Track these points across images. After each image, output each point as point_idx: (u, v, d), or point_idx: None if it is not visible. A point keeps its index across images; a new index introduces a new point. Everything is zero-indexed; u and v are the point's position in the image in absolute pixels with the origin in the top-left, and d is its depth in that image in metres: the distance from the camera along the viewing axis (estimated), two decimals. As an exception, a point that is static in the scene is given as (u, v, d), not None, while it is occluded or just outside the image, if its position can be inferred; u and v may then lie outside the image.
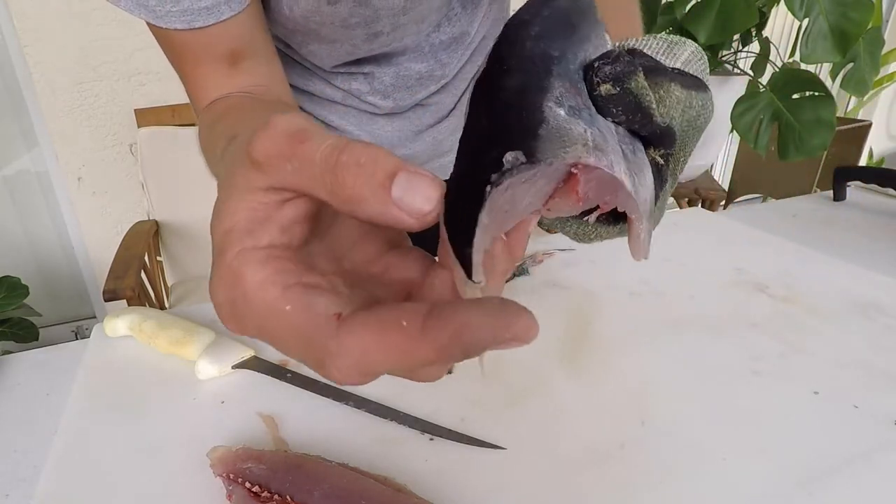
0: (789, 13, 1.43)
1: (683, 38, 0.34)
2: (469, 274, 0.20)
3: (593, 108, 0.24)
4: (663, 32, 0.36)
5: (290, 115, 0.19)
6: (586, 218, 0.27)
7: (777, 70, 1.67)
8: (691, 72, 0.33)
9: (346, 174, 0.17)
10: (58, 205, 1.78)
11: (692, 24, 1.56)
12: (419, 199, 0.17)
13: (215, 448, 0.35)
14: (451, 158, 0.72)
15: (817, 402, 0.41)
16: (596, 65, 0.24)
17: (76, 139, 1.68)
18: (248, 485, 0.32)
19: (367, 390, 0.42)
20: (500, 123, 0.22)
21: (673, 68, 0.30)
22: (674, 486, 0.34)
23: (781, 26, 2.62)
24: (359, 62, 0.58)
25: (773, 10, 1.75)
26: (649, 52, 0.32)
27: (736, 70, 1.87)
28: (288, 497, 0.31)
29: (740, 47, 1.84)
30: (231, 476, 0.33)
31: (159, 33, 0.43)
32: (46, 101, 1.62)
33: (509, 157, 0.20)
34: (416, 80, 0.60)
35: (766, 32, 1.84)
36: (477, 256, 0.20)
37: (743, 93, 1.66)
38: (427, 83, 0.61)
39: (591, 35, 0.26)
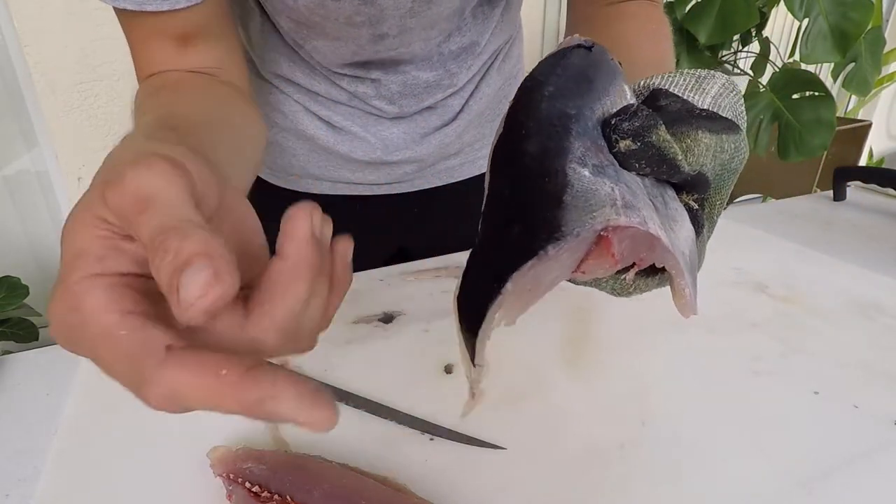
0: (789, 13, 1.43)
1: (712, 72, 0.33)
2: (472, 358, 0.20)
3: (617, 164, 0.23)
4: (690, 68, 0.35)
5: (149, 168, 0.18)
6: (624, 276, 0.25)
7: (777, 70, 1.67)
8: (723, 106, 0.32)
9: (159, 260, 0.17)
10: (58, 205, 1.78)
11: (692, 24, 1.56)
12: (192, 290, 0.16)
13: (215, 448, 0.35)
14: (458, 161, 0.73)
15: (817, 402, 0.41)
16: (613, 122, 0.24)
17: (76, 139, 1.68)
18: (248, 485, 0.32)
19: (367, 390, 0.42)
20: (522, 192, 0.21)
21: (701, 110, 0.29)
22: (674, 486, 0.34)
23: (781, 26, 2.62)
24: (366, 67, 0.57)
25: (773, 10, 1.75)
26: (677, 91, 0.31)
27: (736, 70, 1.87)
28: (288, 497, 0.31)
29: (740, 47, 1.84)
30: (231, 476, 0.33)
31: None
32: (46, 101, 1.61)
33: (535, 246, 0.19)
34: (423, 88, 0.60)
35: (766, 32, 1.84)
36: (481, 345, 0.20)
37: (743, 93, 1.66)
38: (434, 91, 0.61)
39: (608, 88, 0.25)
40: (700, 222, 0.28)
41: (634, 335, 0.48)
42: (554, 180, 0.20)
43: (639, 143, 0.23)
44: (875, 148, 2.88)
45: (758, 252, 0.65)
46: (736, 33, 1.60)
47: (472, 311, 0.20)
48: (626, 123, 0.23)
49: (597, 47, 0.26)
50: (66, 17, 1.53)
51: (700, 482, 0.34)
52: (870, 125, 2.35)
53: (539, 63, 0.25)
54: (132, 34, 0.45)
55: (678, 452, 0.36)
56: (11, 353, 0.51)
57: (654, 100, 0.31)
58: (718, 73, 0.33)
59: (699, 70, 0.34)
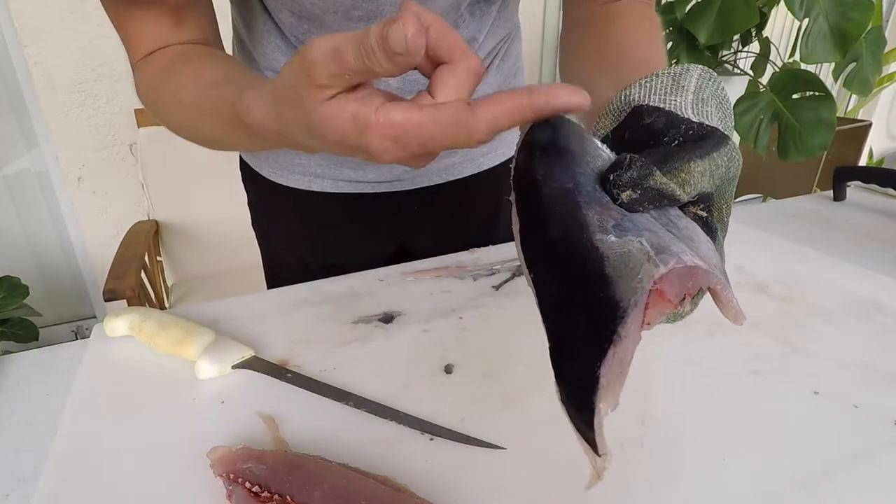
0: (789, 13, 1.43)
1: (686, 66, 0.34)
2: (596, 450, 0.22)
3: (625, 211, 0.24)
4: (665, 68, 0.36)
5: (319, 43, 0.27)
6: (679, 309, 0.27)
7: (777, 70, 1.67)
8: (705, 99, 0.33)
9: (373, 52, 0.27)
10: (58, 205, 1.78)
11: (692, 24, 1.56)
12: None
13: (215, 448, 0.35)
14: (458, 159, 0.73)
15: (817, 402, 0.41)
16: (611, 178, 0.25)
17: (76, 139, 1.68)
18: (248, 485, 0.32)
19: (367, 390, 0.42)
20: (567, 282, 0.22)
21: (687, 124, 0.30)
22: (674, 486, 0.34)
23: (781, 26, 2.62)
24: None
25: (773, 10, 1.75)
26: (656, 97, 0.32)
27: (736, 70, 1.87)
28: (288, 497, 0.31)
29: (740, 47, 1.84)
30: (231, 476, 0.33)
31: None
32: (46, 101, 1.62)
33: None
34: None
35: (766, 32, 1.84)
36: (600, 438, 0.21)
37: (743, 93, 1.66)
38: None
39: (584, 147, 0.27)
40: (712, 228, 0.29)
41: (634, 335, 0.48)
42: (589, 258, 0.22)
43: (639, 192, 0.25)
44: (875, 148, 2.88)
45: (758, 252, 0.65)
46: (736, 33, 1.60)
47: (581, 411, 0.21)
48: (626, 175, 0.25)
49: (553, 118, 0.28)
50: (66, 17, 1.53)
51: (700, 482, 0.34)
52: (870, 125, 2.35)
53: (516, 157, 0.28)
54: (128, 14, 0.46)
55: (678, 452, 0.36)
56: (11, 353, 0.51)
57: (637, 118, 0.32)
58: (692, 66, 0.34)
59: (674, 67, 0.35)
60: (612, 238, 0.22)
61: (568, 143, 0.26)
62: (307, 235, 0.70)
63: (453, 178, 0.70)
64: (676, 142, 0.29)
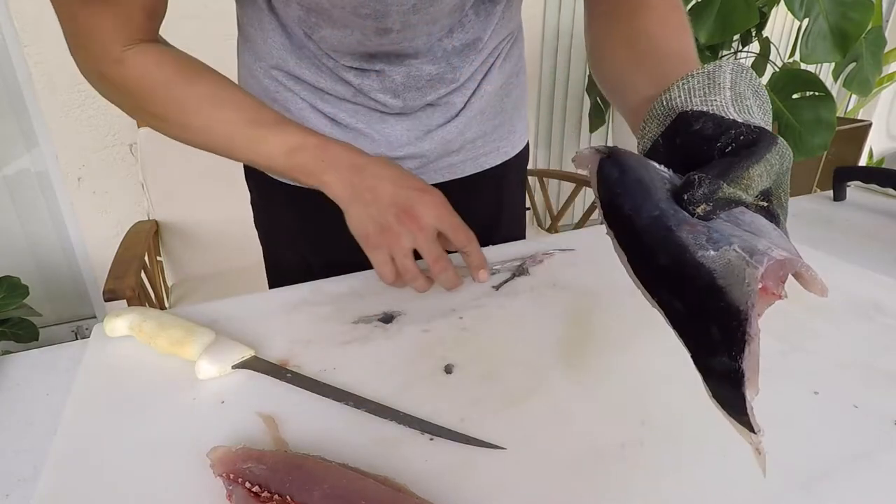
0: (789, 13, 1.43)
1: (718, 63, 0.37)
2: (752, 430, 0.26)
3: (705, 222, 0.29)
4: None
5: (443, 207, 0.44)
6: (781, 297, 0.31)
7: (777, 70, 1.67)
8: (743, 93, 0.36)
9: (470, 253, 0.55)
10: (58, 205, 1.78)
11: (692, 24, 1.56)
12: (483, 277, 0.55)
13: (215, 448, 0.35)
14: (460, 157, 0.75)
15: (817, 402, 0.41)
16: (686, 198, 0.29)
17: (76, 139, 1.68)
18: (248, 485, 0.32)
19: (367, 390, 0.42)
20: (689, 299, 0.27)
21: (736, 128, 0.33)
22: (674, 485, 0.34)
23: (781, 26, 2.62)
24: (371, 59, 0.58)
25: (773, 10, 1.75)
26: (696, 97, 0.36)
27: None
28: (288, 497, 0.31)
29: (740, 47, 1.85)
30: (231, 476, 0.33)
31: None
32: (46, 101, 1.62)
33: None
34: (426, 81, 0.61)
35: (766, 32, 1.84)
36: (754, 421, 0.25)
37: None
38: (437, 86, 0.62)
39: (649, 172, 0.31)
40: (774, 215, 0.32)
41: (634, 335, 0.48)
42: (699, 275, 0.26)
43: (712, 204, 0.29)
44: (875, 148, 2.88)
45: (758, 252, 0.65)
46: (736, 33, 1.61)
47: (733, 402, 0.26)
48: (698, 194, 0.29)
49: (611, 150, 0.32)
50: (66, 17, 1.53)
51: (700, 482, 0.34)
52: (870, 125, 2.35)
53: (599, 195, 0.32)
54: (98, 9, 0.49)
55: (678, 452, 0.36)
56: (11, 353, 0.51)
57: (686, 124, 0.35)
58: (723, 61, 0.37)
59: (706, 66, 0.37)
60: (711, 252, 0.26)
61: (637, 174, 0.31)
62: (311, 235, 0.71)
63: (455, 177, 0.70)
64: (730, 147, 0.33)
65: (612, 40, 0.53)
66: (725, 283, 0.25)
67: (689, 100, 0.36)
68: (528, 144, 0.79)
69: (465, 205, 0.73)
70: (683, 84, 0.36)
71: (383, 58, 0.58)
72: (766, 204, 0.32)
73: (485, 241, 0.69)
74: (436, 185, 0.70)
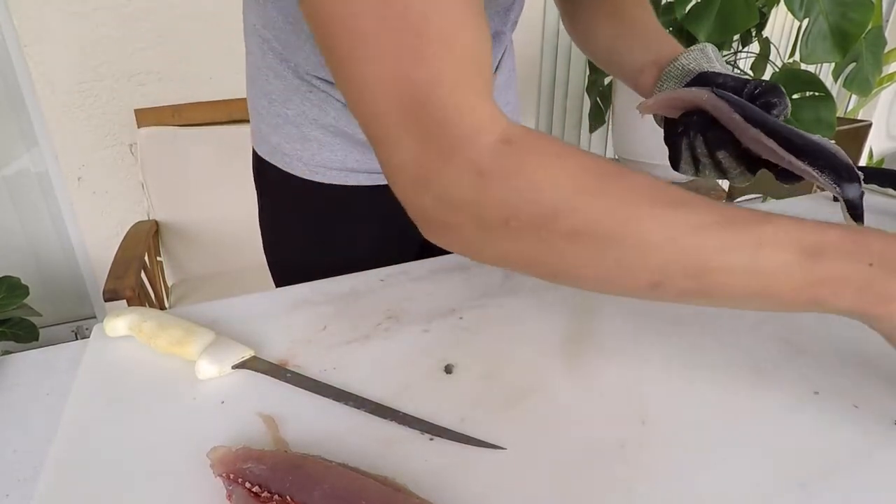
0: (789, 13, 1.42)
1: (701, 45, 0.55)
2: (859, 220, 0.48)
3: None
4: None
5: None
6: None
7: (777, 70, 1.67)
8: (722, 62, 0.55)
9: None
10: (58, 205, 1.78)
11: (692, 24, 1.56)
12: None
13: (215, 448, 0.35)
14: None
15: (817, 402, 0.41)
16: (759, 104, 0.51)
17: (76, 139, 1.68)
18: (248, 485, 0.32)
19: (367, 390, 0.42)
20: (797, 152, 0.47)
21: (755, 87, 0.52)
22: (674, 485, 0.34)
23: (781, 26, 2.61)
24: None
25: (773, 10, 1.75)
26: (700, 62, 0.54)
27: (736, 70, 1.87)
28: (288, 497, 0.31)
29: (740, 47, 1.84)
30: (231, 476, 0.33)
31: None
32: (46, 101, 1.62)
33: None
34: None
35: (766, 32, 1.84)
36: (861, 208, 0.47)
37: (743, 93, 1.65)
38: None
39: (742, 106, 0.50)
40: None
41: (635, 335, 0.48)
42: (822, 146, 0.48)
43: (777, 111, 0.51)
44: (875, 148, 2.88)
45: (758, 252, 0.65)
46: (736, 33, 1.60)
47: (854, 206, 0.47)
48: (776, 102, 0.51)
49: (704, 105, 0.51)
50: (66, 17, 1.53)
51: (700, 482, 0.34)
52: (870, 125, 2.35)
53: (720, 108, 0.50)
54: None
55: (678, 452, 0.36)
56: (11, 353, 0.51)
57: (711, 81, 0.52)
58: (701, 44, 0.54)
59: (693, 47, 0.55)
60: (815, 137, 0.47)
61: (742, 107, 0.50)
62: (331, 233, 0.71)
63: None
64: (759, 89, 0.51)
65: (597, 18, 0.66)
66: (836, 149, 0.47)
67: (698, 65, 0.53)
68: None
69: None
70: (688, 55, 0.53)
71: None
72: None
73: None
74: None
